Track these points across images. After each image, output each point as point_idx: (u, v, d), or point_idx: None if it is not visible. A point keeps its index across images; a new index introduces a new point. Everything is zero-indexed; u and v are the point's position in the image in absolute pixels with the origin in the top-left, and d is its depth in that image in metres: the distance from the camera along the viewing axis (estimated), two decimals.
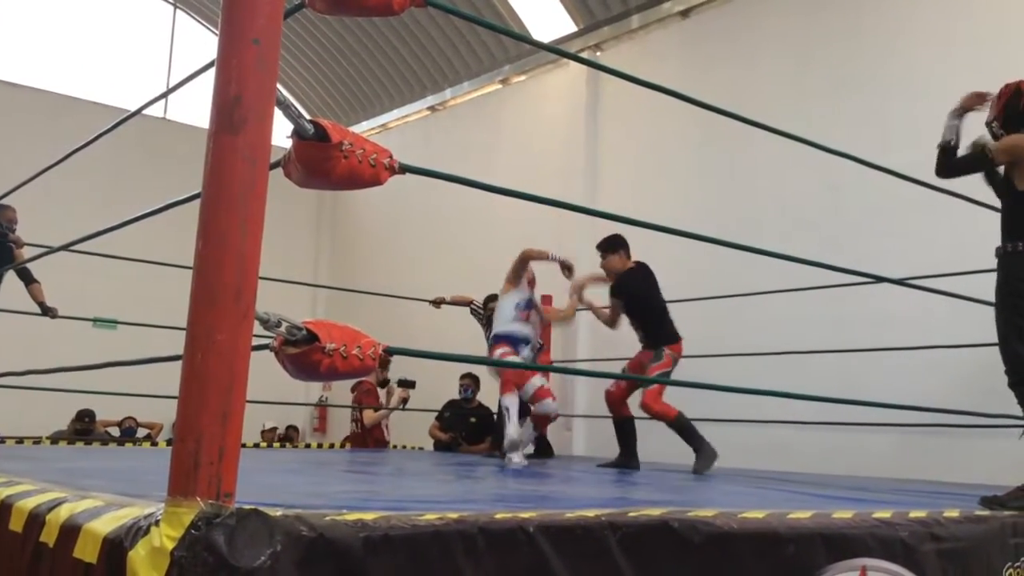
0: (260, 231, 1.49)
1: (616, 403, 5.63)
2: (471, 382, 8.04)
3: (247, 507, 1.41)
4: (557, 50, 3.01)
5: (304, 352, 1.76)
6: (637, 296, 5.54)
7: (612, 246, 5.62)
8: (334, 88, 12.49)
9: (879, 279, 4.15)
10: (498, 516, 1.72)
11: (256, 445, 7.89)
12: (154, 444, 7.70)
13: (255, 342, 1.58)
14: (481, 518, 1.69)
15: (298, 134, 1.80)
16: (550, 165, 9.35)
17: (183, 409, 1.41)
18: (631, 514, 1.92)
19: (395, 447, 7.99)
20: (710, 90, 7.64)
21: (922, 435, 5.77)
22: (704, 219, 7.78)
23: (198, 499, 1.38)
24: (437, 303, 7.59)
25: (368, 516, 1.57)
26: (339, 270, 12.32)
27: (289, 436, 10.27)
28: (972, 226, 4.61)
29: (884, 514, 2.43)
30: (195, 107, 10.93)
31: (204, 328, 1.42)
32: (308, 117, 1.80)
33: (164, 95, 3.41)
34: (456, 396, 7.99)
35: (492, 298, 7.21)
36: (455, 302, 7.48)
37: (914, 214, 6.13)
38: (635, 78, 2.86)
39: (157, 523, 1.39)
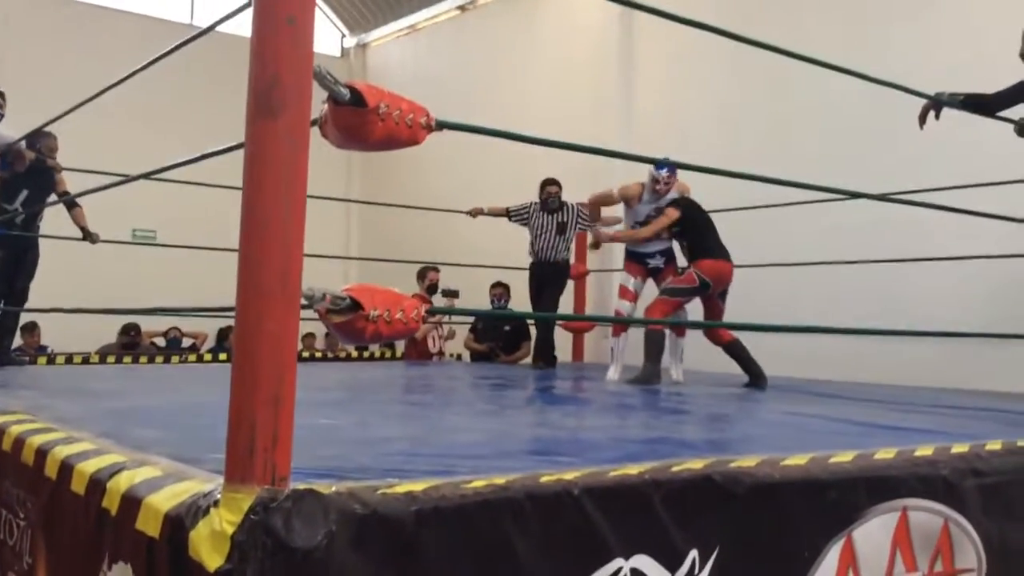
0: (303, 214, 1.49)
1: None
2: (503, 291, 8.09)
3: (301, 487, 1.45)
4: None
5: (349, 320, 1.78)
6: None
7: None
8: None
9: (914, 202, 4.07)
10: (543, 479, 1.75)
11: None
12: (200, 357, 7.89)
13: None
14: (527, 482, 1.73)
15: (334, 100, 1.78)
16: (584, 64, 9.17)
17: (236, 397, 1.44)
18: (674, 468, 1.94)
19: (440, 354, 8.12)
20: None
21: (962, 343, 5.74)
22: (741, 120, 7.65)
23: (255, 484, 1.42)
24: (474, 213, 7.56)
25: (417, 487, 1.61)
26: (372, 184, 12.22)
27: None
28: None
29: (926, 451, 2.44)
30: (220, 13, 10.75)
31: (253, 317, 1.43)
32: (343, 83, 1.77)
33: (230, 16, 3.18)
34: (488, 307, 8.07)
35: (548, 182, 7.17)
36: (492, 213, 7.45)
37: (959, 117, 5.95)
38: (667, 13, 2.78)
39: (216, 504, 1.44)
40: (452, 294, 7.86)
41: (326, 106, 1.83)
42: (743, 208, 6.47)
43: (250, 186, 1.45)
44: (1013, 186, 4.87)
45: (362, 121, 1.80)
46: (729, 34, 2.95)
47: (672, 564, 1.83)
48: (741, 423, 3.30)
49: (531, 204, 7.18)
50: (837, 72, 3.32)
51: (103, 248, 6.32)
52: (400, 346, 8.84)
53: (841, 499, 2.13)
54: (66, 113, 3.91)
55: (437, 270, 7.95)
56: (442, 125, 1.99)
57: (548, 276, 6.97)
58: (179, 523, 1.49)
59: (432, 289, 7.88)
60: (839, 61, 3.30)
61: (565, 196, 7.15)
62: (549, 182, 7.15)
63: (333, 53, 12.85)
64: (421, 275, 7.91)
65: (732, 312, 5.78)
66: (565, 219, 7.09)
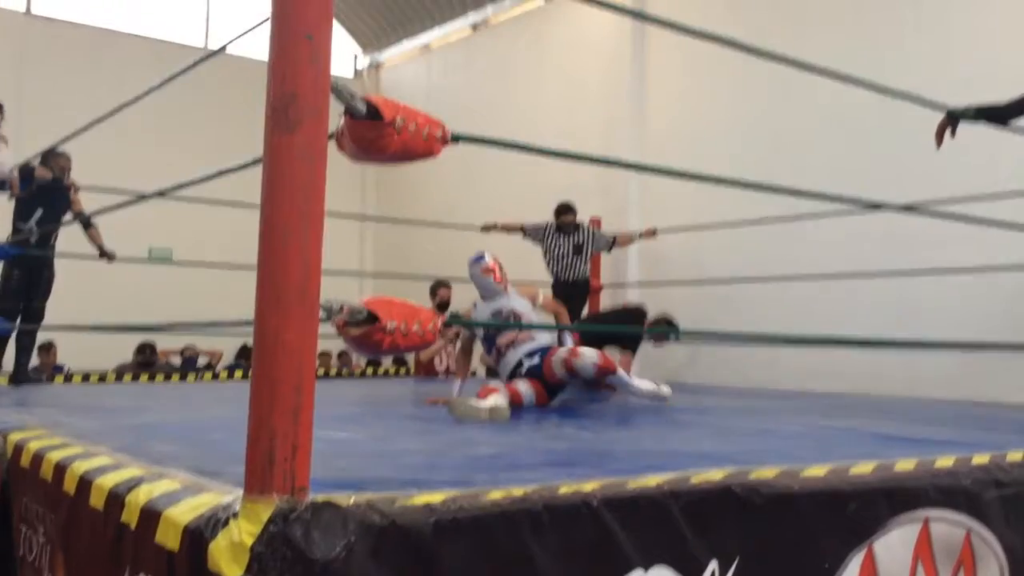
0: (321, 226, 1.50)
1: None
2: None
3: (320, 498, 1.45)
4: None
5: (366, 332, 1.79)
6: None
7: None
8: (373, 6, 12.29)
9: (925, 212, 4.05)
10: (562, 491, 1.74)
11: None
12: (215, 374, 7.90)
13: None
14: (545, 493, 1.72)
15: (351, 114, 1.79)
16: (596, 84, 9.20)
17: (255, 408, 1.44)
18: (692, 479, 1.93)
19: (448, 372, 8.10)
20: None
21: (980, 355, 5.69)
22: (754, 133, 7.64)
23: (274, 495, 1.42)
24: (487, 228, 7.59)
25: (436, 498, 1.60)
26: (385, 200, 12.25)
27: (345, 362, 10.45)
28: None
29: (946, 462, 2.42)
30: (234, 35, 10.85)
31: (272, 329, 1.44)
32: (361, 96, 1.78)
33: (246, 32, 3.26)
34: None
35: (563, 210, 7.21)
36: (506, 229, 7.48)
37: (974, 128, 5.93)
38: (679, 25, 2.78)
39: (235, 515, 1.44)
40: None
41: (343, 120, 1.84)
42: (757, 221, 6.47)
43: (269, 199, 1.46)
44: None
45: (379, 134, 1.82)
46: (742, 46, 2.94)
47: (692, 575, 1.82)
48: (759, 434, 3.28)
49: (547, 225, 7.26)
50: (849, 84, 3.31)
51: (119, 267, 6.35)
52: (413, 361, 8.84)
53: (862, 510, 2.12)
54: (81, 131, 3.94)
55: (449, 287, 7.91)
56: (457, 138, 2.00)
57: (568, 295, 7.02)
58: (198, 535, 1.49)
59: (443, 306, 7.86)
60: (850, 74, 3.29)
61: (578, 210, 7.23)
62: (564, 210, 7.21)
63: (347, 73, 12.93)
64: (433, 291, 7.89)
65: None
66: (581, 240, 7.22)
